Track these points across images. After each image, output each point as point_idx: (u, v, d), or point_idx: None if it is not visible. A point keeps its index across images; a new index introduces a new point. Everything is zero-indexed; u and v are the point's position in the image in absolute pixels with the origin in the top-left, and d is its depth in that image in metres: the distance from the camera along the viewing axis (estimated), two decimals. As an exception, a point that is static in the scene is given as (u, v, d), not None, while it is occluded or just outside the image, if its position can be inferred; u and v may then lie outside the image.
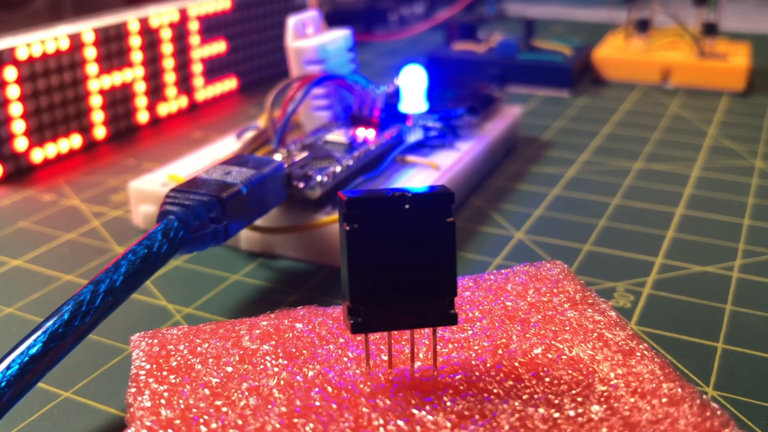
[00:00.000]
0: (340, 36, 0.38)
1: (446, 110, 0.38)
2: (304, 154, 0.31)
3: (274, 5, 0.56)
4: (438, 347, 0.21)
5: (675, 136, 0.45)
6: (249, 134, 0.37)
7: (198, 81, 0.50)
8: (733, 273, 0.29)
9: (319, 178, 0.30)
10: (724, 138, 0.45)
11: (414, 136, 0.36)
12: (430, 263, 0.19)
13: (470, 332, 0.22)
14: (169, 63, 0.47)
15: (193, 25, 0.49)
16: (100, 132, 0.43)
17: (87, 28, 0.41)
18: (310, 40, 0.37)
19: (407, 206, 0.19)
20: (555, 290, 0.24)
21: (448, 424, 0.18)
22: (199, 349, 0.21)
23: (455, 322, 0.19)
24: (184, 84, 0.49)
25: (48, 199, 0.36)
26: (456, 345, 0.21)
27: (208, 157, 0.36)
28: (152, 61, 0.46)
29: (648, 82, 0.56)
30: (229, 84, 0.53)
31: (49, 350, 0.19)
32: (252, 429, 0.18)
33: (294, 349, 0.21)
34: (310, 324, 0.22)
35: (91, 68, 0.42)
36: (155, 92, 0.47)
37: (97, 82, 0.42)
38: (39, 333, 0.19)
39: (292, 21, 0.37)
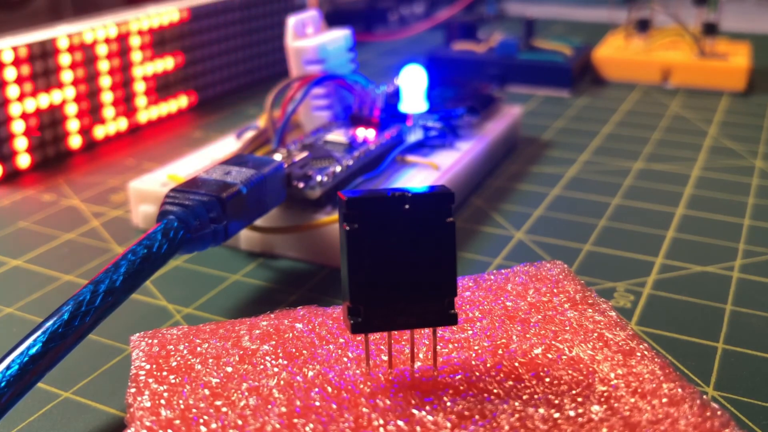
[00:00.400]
0: (340, 36, 0.38)
1: (446, 110, 0.38)
2: (304, 154, 0.31)
3: (273, 5, 0.56)
4: (438, 347, 0.21)
5: (675, 136, 0.45)
6: (249, 134, 0.37)
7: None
8: (734, 273, 0.29)
9: (319, 178, 0.30)
10: (725, 138, 0.45)
11: (414, 136, 0.36)
12: (430, 263, 0.19)
13: (470, 332, 0.22)
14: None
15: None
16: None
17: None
18: (310, 40, 0.37)
19: (407, 206, 0.19)
20: (555, 290, 0.24)
21: (448, 425, 0.18)
22: (199, 349, 0.21)
23: (455, 322, 0.19)
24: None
25: (48, 199, 0.36)
26: (456, 345, 0.21)
27: (208, 157, 0.36)
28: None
29: (648, 82, 0.56)
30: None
31: (49, 350, 0.19)
32: (252, 429, 0.18)
33: (294, 349, 0.21)
34: (310, 324, 0.22)
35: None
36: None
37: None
38: (39, 333, 0.19)
39: (292, 21, 0.37)
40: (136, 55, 0.45)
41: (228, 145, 0.38)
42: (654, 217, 0.34)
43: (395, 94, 0.39)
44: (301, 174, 0.30)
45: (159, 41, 0.47)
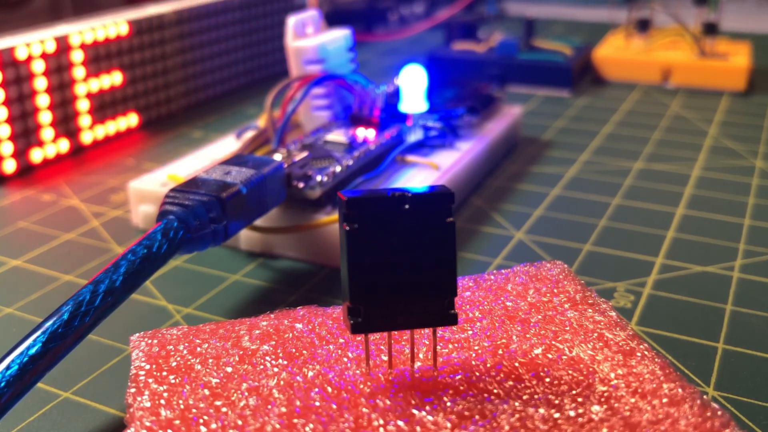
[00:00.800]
0: (340, 36, 0.38)
1: (446, 110, 0.38)
2: (304, 154, 0.30)
3: (273, 5, 0.56)
4: (438, 347, 0.21)
5: (675, 136, 0.45)
6: (249, 134, 0.37)
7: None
8: (734, 273, 0.29)
9: (319, 178, 0.30)
10: (725, 138, 0.45)
11: (414, 136, 0.36)
12: (430, 263, 0.19)
13: (470, 332, 0.22)
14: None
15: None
16: None
17: None
18: (310, 40, 0.37)
19: (407, 206, 0.19)
20: (555, 290, 0.24)
21: (448, 425, 0.18)
22: (198, 349, 0.21)
23: (455, 323, 0.19)
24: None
25: (47, 199, 0.36)
26: (456, 345, 0.21)
27: (208, 157, 0.36)
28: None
29: (648, 82, 0.56)
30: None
31: (49, 350, 0.19)
32: (252, 429, 0.18)
33: (294, 350, 0.21)
34: (310, 324, 0.22)
35: None
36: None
37: None
38: (38, 333, 0.19)
39: (292, 21, 0.37)
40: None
41: (228, 145, 0.37)
42: (654, 217, 0.34)
43: (395, 94, 0.39)
44: (301, 174, 0.30)
45: (151, 43, 0.46)
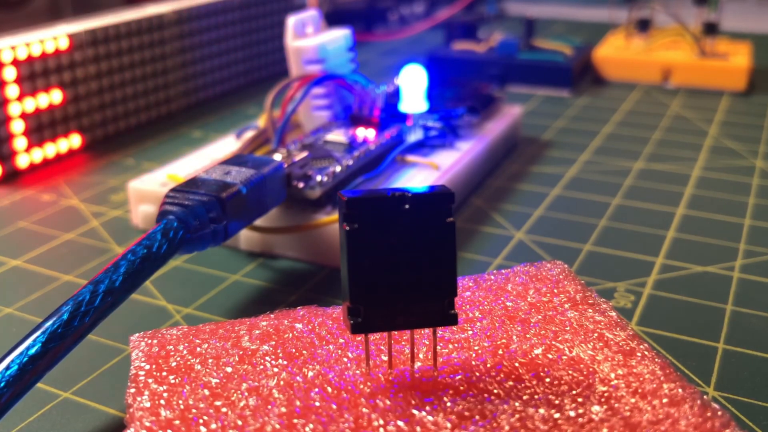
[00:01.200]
0: (340, 36, 0.38)
1: (446, 110, 0.38)
2: (304, 154, 0.30)
3: (273, 5, 0.56)
4: (438, 347, 0.21)
5: (676, 136, 0.45)
6: (249, 134, 0.37)
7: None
8: (734, 273, 0.29)
9: (319, 178, 0.30)
10: (725, 138, 0.45)
11: (414, 136, 0.36)
12: (430, 263, 0.19)
13: (470, 332, 0.22)
14: None
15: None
16: None
17: None
18: (310, 39, 0.37)
19: (407, 206, 0.19)
20: (555, 290, 0.24)
21: (449, 425, 0.18)
22: (198, 349, 0.21)
23: (455, 323, 0.19)
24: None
25: (47, 199, 0.36)
26: (456, 345, 0.21)
27: (208, 157, 0.36)
28: None
29: (649, 82, 0.56)
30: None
31: (49, 350, 0.19)
32: (252, 429, 0.18)
33: (294, 350, 0.21)
34: (309, 324, 0.22)
35: None
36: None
37: None
38: (38, 333, 0.19)
39: (292, 21, 0.37)
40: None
41: (228, 145, 0.37)
42: (654, 217, 0.34)
43: (395, 94, 0.39)
44: (301, 174, 0.30)
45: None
